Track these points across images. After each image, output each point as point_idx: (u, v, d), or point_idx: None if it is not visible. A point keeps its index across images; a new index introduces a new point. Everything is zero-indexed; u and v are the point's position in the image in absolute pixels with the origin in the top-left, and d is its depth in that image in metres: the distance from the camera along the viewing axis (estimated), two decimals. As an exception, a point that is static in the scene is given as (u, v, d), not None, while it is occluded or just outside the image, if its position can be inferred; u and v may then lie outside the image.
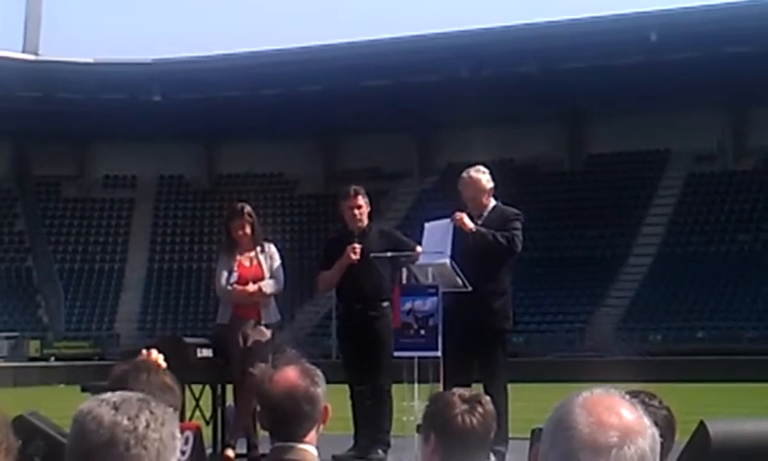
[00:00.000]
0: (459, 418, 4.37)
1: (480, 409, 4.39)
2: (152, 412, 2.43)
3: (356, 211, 11.42)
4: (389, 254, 11.10)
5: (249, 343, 11.05)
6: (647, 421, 2.30)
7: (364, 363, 11.23)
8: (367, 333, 11.18)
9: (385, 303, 11.21)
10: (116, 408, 2.42)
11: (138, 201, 66.50)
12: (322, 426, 4.14)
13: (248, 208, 11.42)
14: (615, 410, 2.27)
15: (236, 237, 11.30)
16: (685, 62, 53.30)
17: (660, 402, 4.22)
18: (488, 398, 4.57)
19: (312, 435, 4.08)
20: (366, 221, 11.49)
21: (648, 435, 2.27)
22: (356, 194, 11.51)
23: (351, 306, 11.51)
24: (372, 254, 11.09)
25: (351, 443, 11.23)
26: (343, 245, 11.38)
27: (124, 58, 63.47)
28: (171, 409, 2.50)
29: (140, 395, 2.48)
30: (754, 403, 23.79)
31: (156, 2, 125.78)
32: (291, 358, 4.21)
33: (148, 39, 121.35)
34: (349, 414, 11.30)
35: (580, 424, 2.23)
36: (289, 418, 4.03)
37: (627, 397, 2.33)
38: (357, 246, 11.21)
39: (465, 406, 4.40)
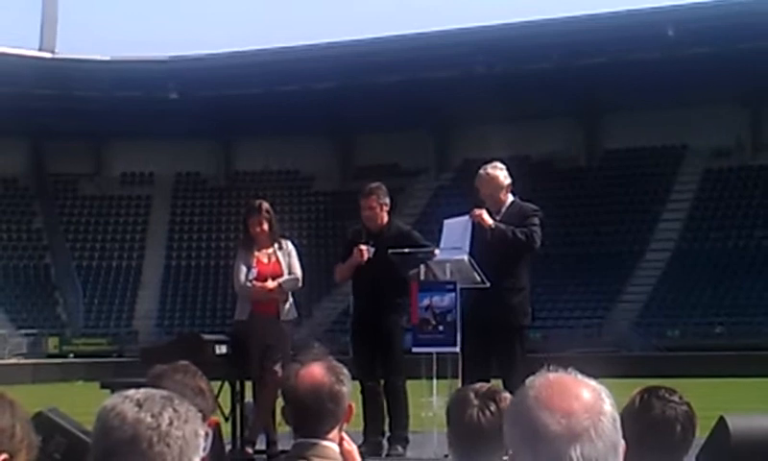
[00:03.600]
0: (469, 414, 4.37)
1: (493, 406, 4.36)
2: (175, 410, 2.43)
3: (368, 212, 11.44)
4: (406, 250, 11.10)
5: (267, 339, 11.07)
6: (595, 384, 2.31)
7: (376, 360, 11.24)
8: (378, 331, 11.20)
9: (398, 301, 11.24)
10: (140, 405, 2.43)
11: (155, 198, 66.63)
12: (345, 425, 4.14)
13: (265, 205, 11.44)
14: (571, 393, 2.27)
15: (254, 234, 11.31)
16: (702, 58, 53.17)
17: (681, 398, 4.22)
18: (507, 394, 4.53)
19: (335, 433, 4.08)
20: (384, 220, 11.48)
21: (605, 397, 2.29)
22: (369, 194, 11.51)
23: (364, 304, 11.54)
24: (390, 251, 11.09)
25: (361, 439, 11.20)
26: (357, 243, 11.41)
27: (140, 55, 63.62)
28: (195, 408, 2.50)
29: (164, 392, 2.48)
30: (772, 399, 23.72)
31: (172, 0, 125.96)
32: (317, 355, 4.20)
33: (164, 37, 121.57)
34: (360, 410, 11.30)
35: (550, 425, 2.22)
36: (313, 415, 4.03)
37: (562, 371, 2.33)
38: (363, 247, 11.23)
39: (477, 403, 4.39)
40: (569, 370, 2.32)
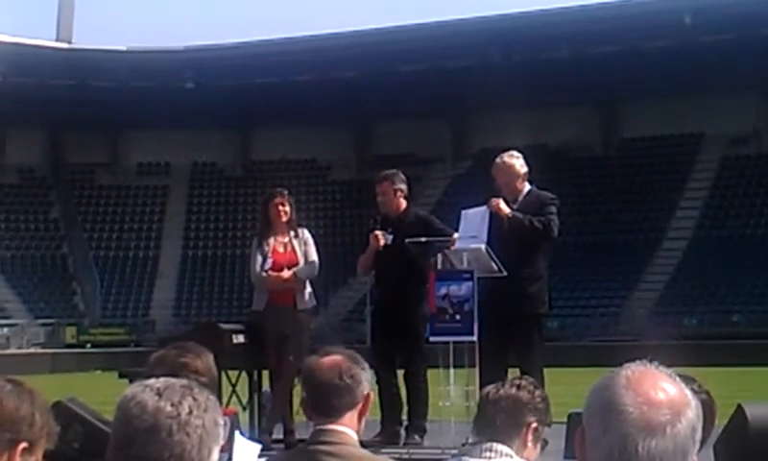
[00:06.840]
0: (483, 395, 4.56)
1: (503, 390, 4.49)
2: (195, 399, 2.44)
3: (381, 197, 11.41)
4: (423, 239, 11.08)
5: (284, 329, 11.07)
6: (689, 391, 2.31)
7: (396, 350, 11.22)
8: (398, 318, 11.16)
9: (419, 289, 11.21)
10: (160, 394, 2.44)
11: (172, 188, 66.74)
12: (364, 419, 4.19)
13: (285, 192, 11.50)
14: (660, 386, 2.27)
15: (276, 216, 11.26)
16: (719, 45, 53.00)
17: (700, 386, 4.21)
18: (524, 384, 4.61)
19: (354, 421, 4.12)
20: (402, 206, 11.45)
21: (693, 406, 2.29)
22: (383, 179, 11.49)
23: (384, 291, 11.53)
24: (406, 240, 11.07)
25: (379, 428, 11.20)
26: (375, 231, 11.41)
27: (156, 45, 63.74)
28: (214, 397, 2.51)
29: (184, 381, 2.50)
30: (790, 387, 23.68)
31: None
32: (336, 348, 4.26)
33: (180, 27, 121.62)
34: (377, 399, 11.27)
35: (629, 406, 2.23)
36: (330, 397, 4.07)
37: (663, 369, 2.33)
38: (379, 233, 11.21)
39: (493, 384, 4.60)
40: (672, 370, 2.32)
